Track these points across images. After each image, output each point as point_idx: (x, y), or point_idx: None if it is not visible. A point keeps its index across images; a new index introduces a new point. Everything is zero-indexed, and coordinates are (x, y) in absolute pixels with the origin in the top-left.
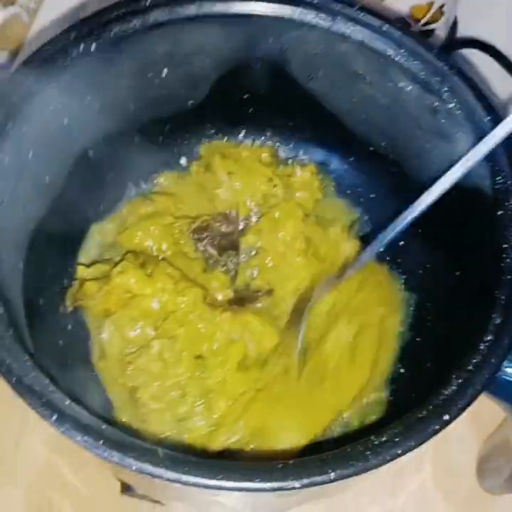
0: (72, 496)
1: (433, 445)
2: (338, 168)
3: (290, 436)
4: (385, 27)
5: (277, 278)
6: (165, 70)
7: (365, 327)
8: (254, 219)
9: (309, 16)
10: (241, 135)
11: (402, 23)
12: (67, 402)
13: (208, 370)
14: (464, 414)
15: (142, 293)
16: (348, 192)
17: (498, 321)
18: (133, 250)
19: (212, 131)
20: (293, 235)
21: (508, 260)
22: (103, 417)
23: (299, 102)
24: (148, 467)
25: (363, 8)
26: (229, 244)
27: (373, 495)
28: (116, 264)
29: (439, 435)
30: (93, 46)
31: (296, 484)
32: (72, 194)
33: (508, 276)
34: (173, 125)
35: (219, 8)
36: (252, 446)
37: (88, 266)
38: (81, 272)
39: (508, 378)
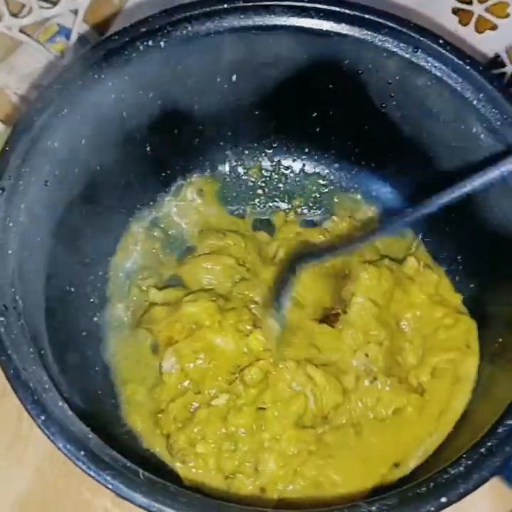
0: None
1: None
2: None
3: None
4: (468, 67)
5: None
6: (234, 77)
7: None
8: None
9: (390, 42)
10: (304, 151)
11: (496, 62)
12: (60, 403)
13: (267, 423)
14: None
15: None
16: None
17: None
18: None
19: (275, 144)
20: None
21: None
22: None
23: (367, 130)
24: (123, 488)
25: (448, 44)
26: None
27: None
28: (189, 293)
29: None
30: (162, 43)
31: None
32: (117, 186)
33: None
34: (236, 132)
35: (296, 21)
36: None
37: (160, 289)
38: (153, 295)
39: None
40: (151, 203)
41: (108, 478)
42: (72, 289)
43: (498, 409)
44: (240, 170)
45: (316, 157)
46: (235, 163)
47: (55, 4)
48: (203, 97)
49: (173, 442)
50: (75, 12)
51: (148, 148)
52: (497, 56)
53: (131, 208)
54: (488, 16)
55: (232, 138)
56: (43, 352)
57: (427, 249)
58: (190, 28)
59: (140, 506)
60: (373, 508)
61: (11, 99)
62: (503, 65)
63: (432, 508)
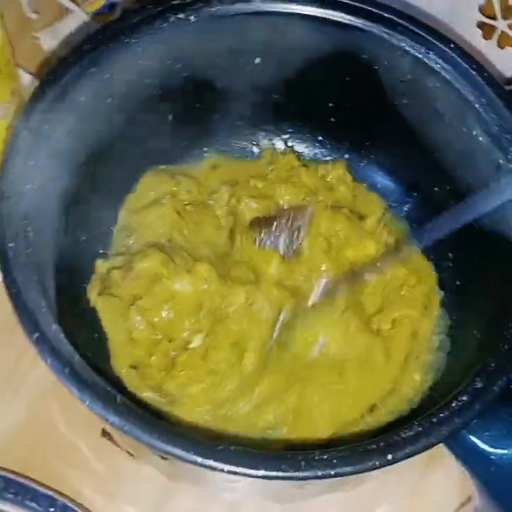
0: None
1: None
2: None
3: (323, 423)
4: (474, 73)
5: None
6: (258, 59)
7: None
8: None
9: (406, 42)
10: (318, 139)
11: None
12: (54, 326)
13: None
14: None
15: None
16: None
17: (478, 385)
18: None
19: (290, 130)
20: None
21: None
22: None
23: (378, 125)
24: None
25: (459, 48)
26: None
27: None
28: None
29: None
30: (192, 17)
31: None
32: (134, 150)
33: None
34: (253, 114)
35: (318, 11)
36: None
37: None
38: (99, 266)
39: (473, 444)
40: None
41: (86, 396)
42: (83, 237)
43: (455, 381)
44: (255, 149)
45: (329, 147)
46: (250, 143)
47: None
48: (227, 75)
49: (163, 391)
50: None
51: (169, 117)
52: None
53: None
54: (510, 32)
55: (250, 118)
56: (45, 284)
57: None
58: (219, 7)
59: (112, 424)
60: (325, 456)
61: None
62: None
63: (377, 463)
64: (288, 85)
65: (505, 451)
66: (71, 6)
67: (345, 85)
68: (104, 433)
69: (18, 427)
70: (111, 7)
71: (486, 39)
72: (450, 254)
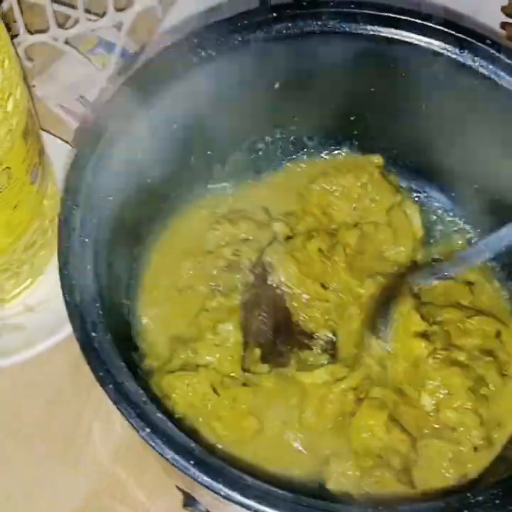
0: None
1: None
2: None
3: None
4: None
5: None
6: (277, 84)
7: None
8: None
9: (435, 45)
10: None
11: None
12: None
13: None
14: None
15: None
16: None
17: None
18: None
19: (312, 143)
20: None
21: None
22: None
23: (404, 133)
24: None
25: (495, 43)
26: None
27: None
28: None
29: None
30: (214, 52)
31: None
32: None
33: None
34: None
35: (340, 26)
36: None
37: None
38: None
39: None
40: None
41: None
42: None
43: None
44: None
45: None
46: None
47: (101, 16)
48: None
49: None
50: (118, 25)
51: (192, 159)
52: None
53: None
54: None
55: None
56: None
57: None
58: (241, 38)
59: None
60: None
61: (52, 110)
62: None
63: None
64: (310, 104)
65: None
66: (66, 48)
67: (368, 96)
68: (187, 502)
69: None
70: (107, 46)
71: (511, 40)
72: None
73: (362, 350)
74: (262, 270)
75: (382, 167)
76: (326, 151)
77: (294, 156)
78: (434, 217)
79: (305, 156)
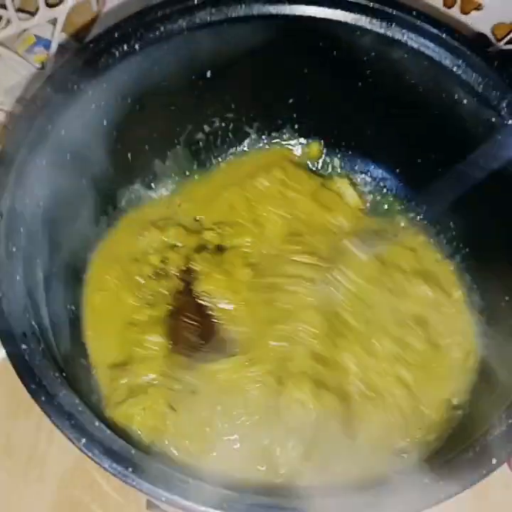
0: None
1: None
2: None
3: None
4: (443, 35)
5: None
6: (209, 72)
7: None
8: None
9: (363, 20)
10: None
11: (482, 41)
12: (96, 423)
13: None
14: None
15: None
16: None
17: None
18: None
19: (252, 130)
20: None
21: None
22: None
23: (345, 110)
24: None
25: (422, 15)
26: None
27: None
28: None
29: None
30: (137, 45)
31: None
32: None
33: None
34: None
35: (266, 9)
36: None
37: None
38: None
39: None
40: None
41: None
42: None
43: None
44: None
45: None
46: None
47: (33, 15)
48: (181, 98)
49: None
50: (53, 22)
51: (129, 156)
52: (482, 36)
53: None
54: None
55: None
56: None
57: None
58: (162, 28)
59: None
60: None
61: None
62: (489, 45)
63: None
64: (244, 90)
65: None
66: (1, 50)
67: (304, 76)
68: (150, 505)
69: None
70: (45, 44)
71: (448, 7)
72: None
73: None
74: (190, 277)
75: (293, 158)
76: (268, 139)
77: (237, 145)
78: (379, 197)
79: (246, 145)
